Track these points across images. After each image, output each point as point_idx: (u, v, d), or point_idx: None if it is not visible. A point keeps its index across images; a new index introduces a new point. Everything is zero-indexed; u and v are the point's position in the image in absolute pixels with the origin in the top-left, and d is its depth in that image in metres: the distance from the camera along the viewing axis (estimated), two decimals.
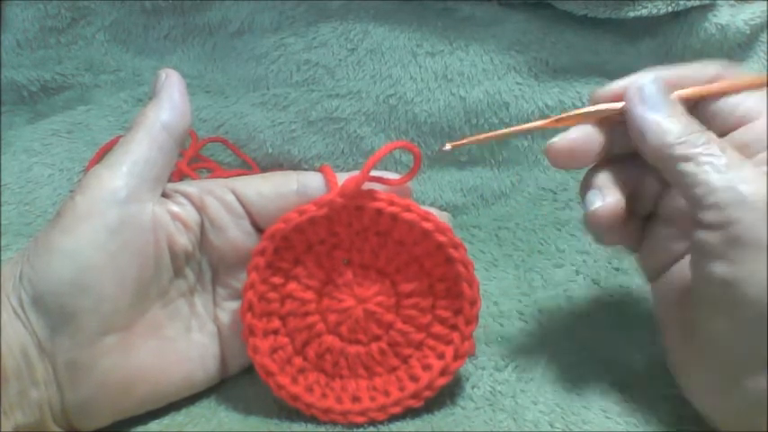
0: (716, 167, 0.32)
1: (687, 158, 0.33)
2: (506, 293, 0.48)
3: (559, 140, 0.36)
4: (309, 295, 0.39)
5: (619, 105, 0.36)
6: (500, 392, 0.40)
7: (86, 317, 0.34)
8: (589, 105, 0.38)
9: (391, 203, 0.37)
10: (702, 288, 0.33)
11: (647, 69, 0.36)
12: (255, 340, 0.38)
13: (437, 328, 0.39)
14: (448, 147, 0.38)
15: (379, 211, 0.37)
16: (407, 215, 0.37)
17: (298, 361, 0.39)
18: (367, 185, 0.37)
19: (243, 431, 0.38)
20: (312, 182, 0.38)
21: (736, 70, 0.37)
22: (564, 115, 0.37)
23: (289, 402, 0.38)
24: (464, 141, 0.38)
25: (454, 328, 0.38)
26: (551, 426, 0.38)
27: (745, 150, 0.34)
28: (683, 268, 0.36)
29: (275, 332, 0.39)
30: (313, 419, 0.38)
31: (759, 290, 0.31)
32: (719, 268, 0.32)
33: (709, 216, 0.32)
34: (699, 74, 0.37)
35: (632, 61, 0.59)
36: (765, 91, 0.36)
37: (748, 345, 0.32)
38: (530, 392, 0.40)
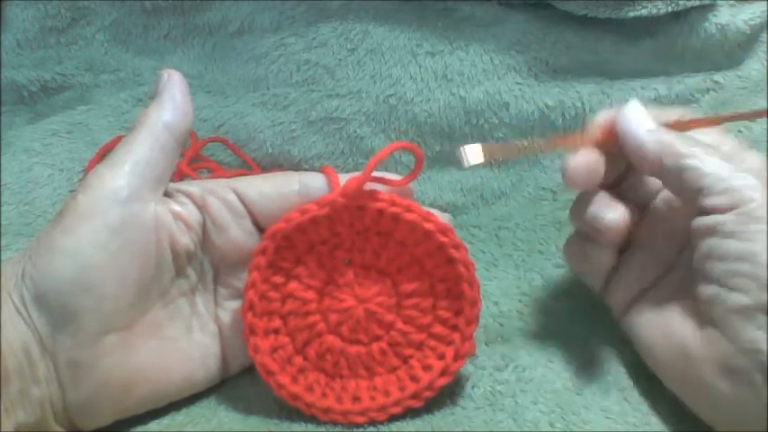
0: (716, 161, 0.36)
1: (691, 155, 0.36)
2: (506, 293, 0.48)
3: (575, 159, 0.38)
4: (310, 295, 0.39)
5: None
6: (500, 392, 0.40)
7: (88, 316, 0.34)
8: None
9: (393, 204, 0.37)
10: (712, 264, 0.35)
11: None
12: (256, 339, 0.38)
13: (438, 329, 0.39)
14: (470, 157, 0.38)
15: (381, 212, 0.37)
16: (409, 216, 0.37)
17: (298, 360, 0.39)
18: (368, 186, 0.37)
19: (243, 431, 0.38)
20: (314, 182, 0.38)
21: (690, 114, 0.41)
22: (568, 137, 0.40)
23: (289, 402, 0.38)
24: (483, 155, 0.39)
25: (455, 328, 0.39)
26: (551, 426, 0.38)
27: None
28: (660, 289, 0.40)
29: (276, 331, 0.39)
30: (313, 419, 0.38)
31: None
32: (734, 245, 0.34)
33: (721, 200, 0.35)
34: (662, 115, 0.40)
35: (632, 61, 0.59)
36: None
37: None
38: (530, 392, 0.40)
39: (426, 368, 0.39)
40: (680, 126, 0.39)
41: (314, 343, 0.39)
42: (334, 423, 0.38)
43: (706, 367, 0.35)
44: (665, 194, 0.41)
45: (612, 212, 0.38)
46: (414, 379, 0.39)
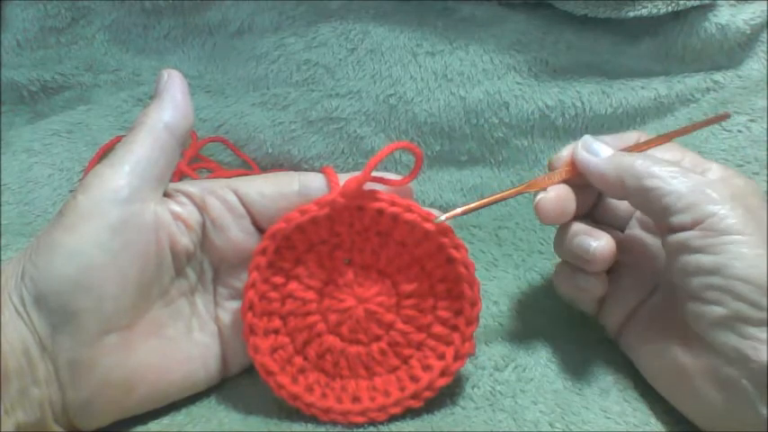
0: (676, 178, 0.37)
1: (650, 175, 0.37)
2: (506, 293, 0.48)
3: (545, 197, 0.40)
4: (310, 295, 0.39)
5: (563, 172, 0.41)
6: (500, 392, 0.40)
7: (88, 316, 0.34)
8: (548, 171, 0.42)
9: (392, 204, 0.37)
10: (688, 281, 0.36)
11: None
12: (256, 339, 0.38)
13: (438, 329, 0.39)
14: (443, 218, 0.38)
15: (381, 212, 0.37)
16: (408, 216, 0.37)
17: (298, 360, 0.39)
18: (368, 186, 0.37)
19: (243, 431, 0.38)
20: (314, 182, 0.38)
21: (646, 134, 0.43)
22: (538, 180, 0.41)
23: (289, 402, 0.38)
24: (460, 212, 0.39)
25: (455, 328, 0.39)
26: (551, 426, 0.38)
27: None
28: (650, 306, 0.41)
29: (276, 331, 0.39)
30: (313, 419, 0.38)
31: (745, 268, 0.34)
32: (703, 259, 0.35)
33: (684, 217, 0.36)
34: (621, 140, 0.42)
35: (632, 61, 0.59)
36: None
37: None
38: (530, 392, 0.40)
39: (426, 368, 0.39)
40: (637, 149, 0.41)
41: (314, 343, 0.39)
42: (334, 423, 0.38)
43: (698, 380, 0.36)
44: (639, 215, 0.42)
45: (597, 241, 0.39)
46: (414, 379, 0.39)
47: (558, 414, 0.38)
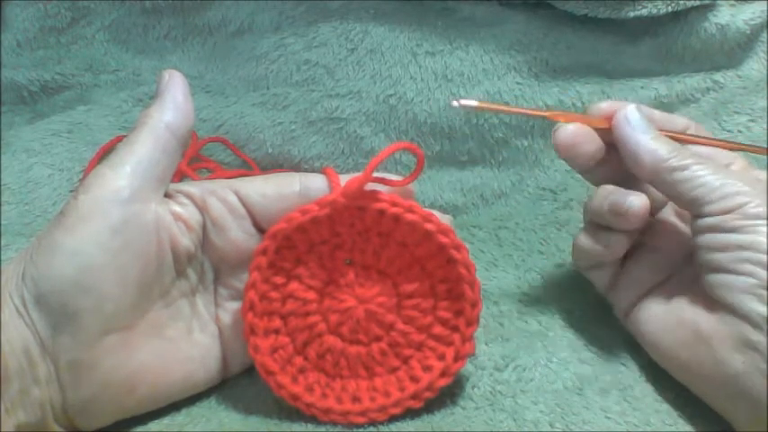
0: (709, 172, 0.38)
1: (682, 168, 0.38)
2: (506, 293, 0.48)
3: (565, 127, 0.41)
4: (311, 295, 0.39)
5: (607, 124, 0.41)
6: (500, 392, 0.40)
7: (88, 316, 0.34)
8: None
9: (394, 204, 0.37)
10: (716, 255, 0.37)
11: (631, 103, 0.42)
12: (256, 339, 0.38)
13: (438, 330, 0.39)
14: (456, 104, 0.39)
15: (382, 212, 0.37)
16: (410, 216, 0.37)
17: (298, 360, 0.39)
18: (369, 186, 0.37)
19: (243, 431, 0.38)
20: (314, 183, 0.38)
21: (700, 127, 0.45)
22: (567, 113, 0.42)
23: (289, 402, 0.38)
24: (476, 105, 0.40)
25: (455, 329, 0.39)
26: (551, 426, 0.38)
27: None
28: (667, 289, 0.41)
29: (276, 331, 0.39)
30: (313, 419, 0.38)
31: None
32: (735, 237, 0.36)
33: (718, 206, 0.37)
34: (670, 122, 0.43)
35: (632, 61, 0.59)
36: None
37: None
38: (530, 392, 0.40)
39: (426, 369, 0.39)
40: (677, 138, 0.41)
41: (314, 343, 0.39)
42: (334, 423, 0.38)
43: (720, 345, 0.37)
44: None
45: (638, 198, 0.39)
46: (414, 379, 0.39)
47: (558, 414, 0.38)
